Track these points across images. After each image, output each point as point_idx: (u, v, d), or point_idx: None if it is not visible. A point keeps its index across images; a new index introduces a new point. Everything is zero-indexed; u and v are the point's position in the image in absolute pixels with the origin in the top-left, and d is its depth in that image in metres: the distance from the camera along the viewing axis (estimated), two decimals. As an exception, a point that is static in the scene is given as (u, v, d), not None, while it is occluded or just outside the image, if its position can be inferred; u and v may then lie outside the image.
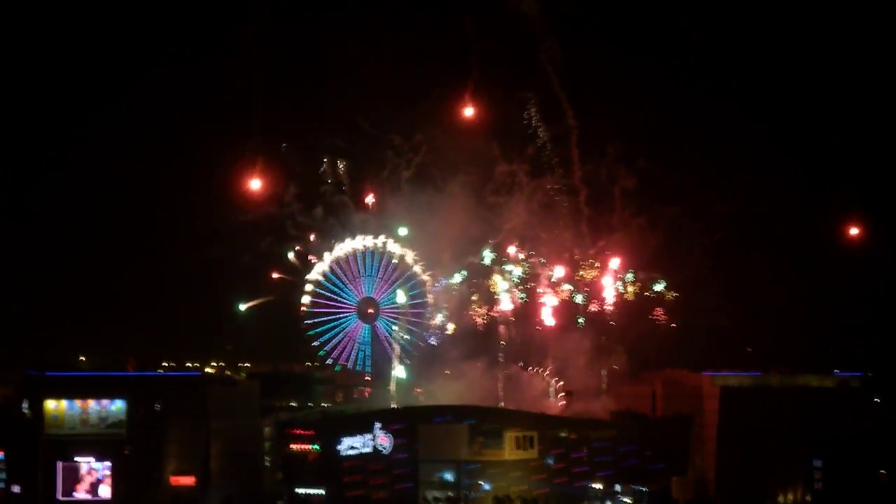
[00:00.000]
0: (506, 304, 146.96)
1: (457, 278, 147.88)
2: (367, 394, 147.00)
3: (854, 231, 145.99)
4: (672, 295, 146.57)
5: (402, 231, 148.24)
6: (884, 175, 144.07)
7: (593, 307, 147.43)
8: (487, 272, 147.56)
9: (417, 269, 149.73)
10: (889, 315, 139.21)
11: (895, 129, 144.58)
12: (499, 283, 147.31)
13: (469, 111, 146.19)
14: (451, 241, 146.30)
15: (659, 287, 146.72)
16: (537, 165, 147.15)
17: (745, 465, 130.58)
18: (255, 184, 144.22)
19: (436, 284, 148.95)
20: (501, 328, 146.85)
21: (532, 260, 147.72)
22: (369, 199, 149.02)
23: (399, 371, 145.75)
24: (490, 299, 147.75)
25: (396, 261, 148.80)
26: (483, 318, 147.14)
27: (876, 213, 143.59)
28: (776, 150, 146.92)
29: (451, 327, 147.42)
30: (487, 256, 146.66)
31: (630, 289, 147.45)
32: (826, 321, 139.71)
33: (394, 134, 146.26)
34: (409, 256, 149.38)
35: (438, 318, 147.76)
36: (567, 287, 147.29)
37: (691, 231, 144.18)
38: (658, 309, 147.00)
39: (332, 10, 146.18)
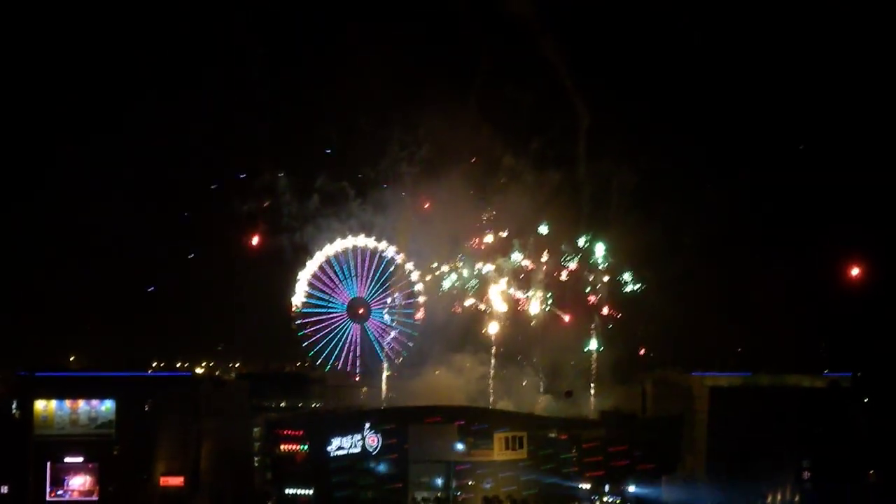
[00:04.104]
0: (498, 304, 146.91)
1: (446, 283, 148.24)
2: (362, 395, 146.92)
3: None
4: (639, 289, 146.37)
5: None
6: (878, 178, 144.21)
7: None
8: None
9: (409, 266, 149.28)
10: (879, 315, 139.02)
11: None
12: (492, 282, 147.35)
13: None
14: (448, 237, 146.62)
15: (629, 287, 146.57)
16: (540, 159, 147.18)
17: (734, 465, 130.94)
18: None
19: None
20: (493, 325, 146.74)
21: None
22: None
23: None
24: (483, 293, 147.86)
25: (388, 260, 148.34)
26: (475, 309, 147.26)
27: (870, 216, 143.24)
28: (773, 150, 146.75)
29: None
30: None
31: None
32: (816, 321, 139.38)
33: (393, 127, 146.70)
34: (402, 256, 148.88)
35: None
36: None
37: (684, 228, 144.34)
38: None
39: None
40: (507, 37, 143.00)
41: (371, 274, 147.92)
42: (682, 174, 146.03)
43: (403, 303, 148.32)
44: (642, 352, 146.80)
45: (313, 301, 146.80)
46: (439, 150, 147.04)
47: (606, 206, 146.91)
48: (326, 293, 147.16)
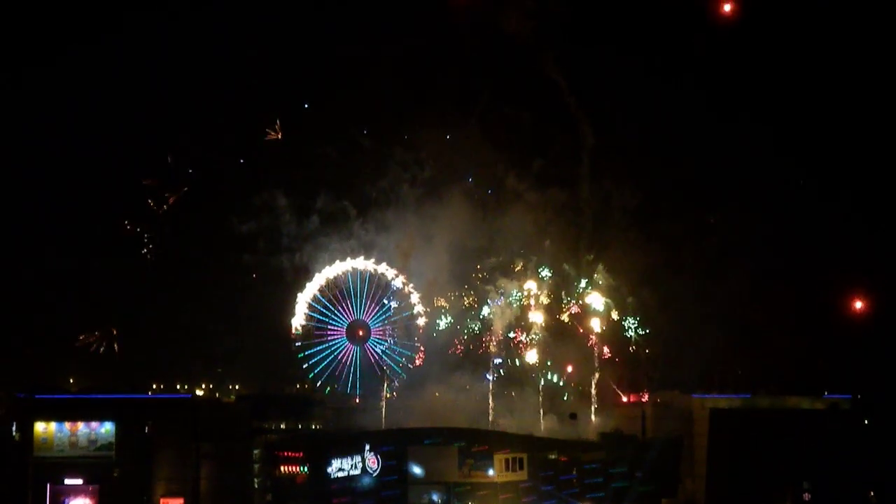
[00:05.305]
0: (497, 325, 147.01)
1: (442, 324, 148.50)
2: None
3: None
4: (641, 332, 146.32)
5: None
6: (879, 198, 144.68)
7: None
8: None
9: (409, 288, 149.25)
10: (879, 337, 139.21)
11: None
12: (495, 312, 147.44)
13: None
14: (450, 260, 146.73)
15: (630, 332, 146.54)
16: (544, 179, 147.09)
17: (735, 487, 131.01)
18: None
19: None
20: (493, 348, 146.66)
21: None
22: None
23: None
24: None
25: (388, 282, 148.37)
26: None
27: (871, 236, 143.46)
28: (775, 170, 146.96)
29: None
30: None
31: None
32: (816, 342, 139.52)
33: (396, 146, 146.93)
34: (402, 277, 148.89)
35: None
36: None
37: (685, 249, 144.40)
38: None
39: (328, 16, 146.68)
40: (509, 57, 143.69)
41: (371, 296, 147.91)
42: (683, 195, 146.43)
43: (401, 345, 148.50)
44: (642, 374, 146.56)
45: (313, 323, 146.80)
46: (441, 170, 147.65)
47: (607, 226, 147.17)
48: (326, 315, 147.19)
